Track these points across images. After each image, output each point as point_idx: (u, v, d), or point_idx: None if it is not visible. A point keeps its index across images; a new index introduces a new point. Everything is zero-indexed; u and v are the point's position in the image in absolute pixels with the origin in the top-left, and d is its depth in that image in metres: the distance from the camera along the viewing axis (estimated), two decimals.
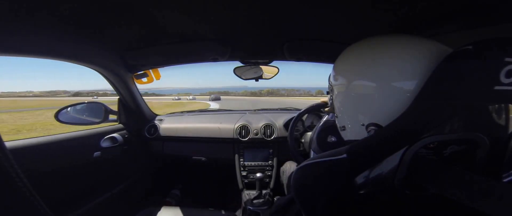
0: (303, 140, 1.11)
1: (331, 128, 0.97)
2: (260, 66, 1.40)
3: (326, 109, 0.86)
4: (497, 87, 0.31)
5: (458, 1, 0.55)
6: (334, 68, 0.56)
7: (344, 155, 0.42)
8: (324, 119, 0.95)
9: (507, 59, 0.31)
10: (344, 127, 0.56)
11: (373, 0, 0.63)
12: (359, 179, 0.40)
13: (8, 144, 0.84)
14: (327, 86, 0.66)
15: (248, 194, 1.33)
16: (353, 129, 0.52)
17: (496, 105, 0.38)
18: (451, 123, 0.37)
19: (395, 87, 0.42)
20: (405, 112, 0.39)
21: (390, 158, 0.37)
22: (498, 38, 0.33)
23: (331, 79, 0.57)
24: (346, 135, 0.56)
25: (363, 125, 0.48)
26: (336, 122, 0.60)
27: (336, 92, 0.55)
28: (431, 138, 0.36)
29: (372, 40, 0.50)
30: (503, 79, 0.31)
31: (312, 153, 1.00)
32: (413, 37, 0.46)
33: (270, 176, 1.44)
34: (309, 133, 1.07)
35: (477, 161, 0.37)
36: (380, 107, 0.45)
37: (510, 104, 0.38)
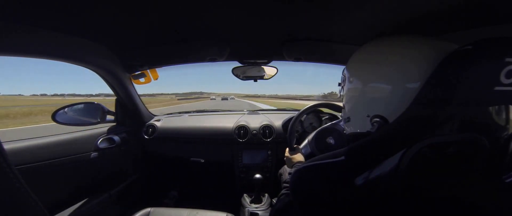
0: (301, 141, 1.11)
1: (332, 130, 0.98)
2: (259, 66, 1.39)
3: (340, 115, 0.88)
4: (497, 88, 0.31)
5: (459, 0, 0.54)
6: (347, 65, 0.57)
7: (342, 157, 0.41)
8: (333, 122, 0.98)
9: (508, 59, 0.30)
10: (349, 118, 0.57)
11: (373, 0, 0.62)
12: (359, 180, 0.39)
13: (6, 146, 0.84)
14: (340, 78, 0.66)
15: (247, 195, 1.32)
16: (357, 120, 0.53)
17: (496, 106, 0.38)
18: (450, 124, 0.37)
19: (408, 88, 0.42)
20: (404, 113, 0.39)
21: (390, 159, 0.37)
22: (499, 37, 0.32)
23: (345, 72, 0.58)
24: (350, 127, 0.57)
25: (368, 116, 0.48)
26: (342, 114, 0.61)
27: (348, 87, 0.56)
28: (429, 139, 0.35)
29: (386, 41, 0.51)
30: (503, 79, 0.31)
31: (306, 142, 1.00)
32: (425, 38, 0.46)
33: (268, 177, 1.44)
34: (310, 134, 1.07)
35: (477, 162, 0.36)
36: (389, 104, 0.45)
37: (510, 105, 0.38)
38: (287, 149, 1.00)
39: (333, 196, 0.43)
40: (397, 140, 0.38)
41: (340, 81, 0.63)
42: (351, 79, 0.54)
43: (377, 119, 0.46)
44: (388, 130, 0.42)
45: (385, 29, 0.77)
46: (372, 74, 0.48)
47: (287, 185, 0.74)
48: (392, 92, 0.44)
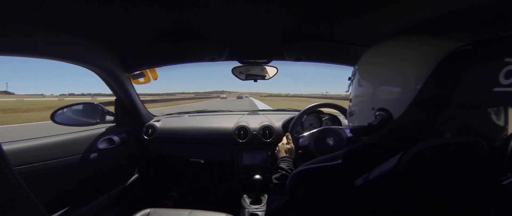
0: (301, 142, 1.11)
1: (335, 132, 0.98)
2: (259, 66, 1.39)
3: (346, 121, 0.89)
4: (496, 89, 0.31)
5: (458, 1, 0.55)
6: (357, 65, 0.57)
7: (339, 161, 0.42)
8: (339, 126, 1.00)
9: (507, 59, 0.30)
10: (353, 112, 0.57)
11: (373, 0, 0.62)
12: (358, 181, 0.39)
13: (6, 146, 0.83)
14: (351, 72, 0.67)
15: (247, 196, 1.32)
16: (361, 113, 0.54)
17: (495, 107, 0.38)
18: (449, 126, 0.37)
19: (410, 89, 0.43)
20: (403, 115, 0.39)
21: (389, 160, 0.37)
22: (498, 37, 0.32)
23: (356, 68, 0.58)
24: (353, 121, 0.58)
25: (373, 109, 0.49)
26: (348, 109, 0.62)
27: (356, 86, 0.56)
28: (429, 141, 0.35)
29: (389, 42, 0.51)
30: (502, 80, 0.30)
31: (307, 134, 1.03)
32: (427, 37, 0.47)
33: (268, 178, 1.43)
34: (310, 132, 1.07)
35: (476, 163, 0.37)
36: (394, 102, 0.46)
37: (509, 106, 0.38)
38: (284, 138, 1.02)
39: (331, 198, 0.43)
40: (395, 142, 0.38)
41: (350, 76, 0.63)
42: (360, 81, 0.55)
43: (382, 112, 0.46)
44: (387, 131, 0.42)
45: (386, 28, 0.77)
46: (376, 76, 0.49)
47: (278, 174, 0.76)
48: (397, 94, 0.44)
